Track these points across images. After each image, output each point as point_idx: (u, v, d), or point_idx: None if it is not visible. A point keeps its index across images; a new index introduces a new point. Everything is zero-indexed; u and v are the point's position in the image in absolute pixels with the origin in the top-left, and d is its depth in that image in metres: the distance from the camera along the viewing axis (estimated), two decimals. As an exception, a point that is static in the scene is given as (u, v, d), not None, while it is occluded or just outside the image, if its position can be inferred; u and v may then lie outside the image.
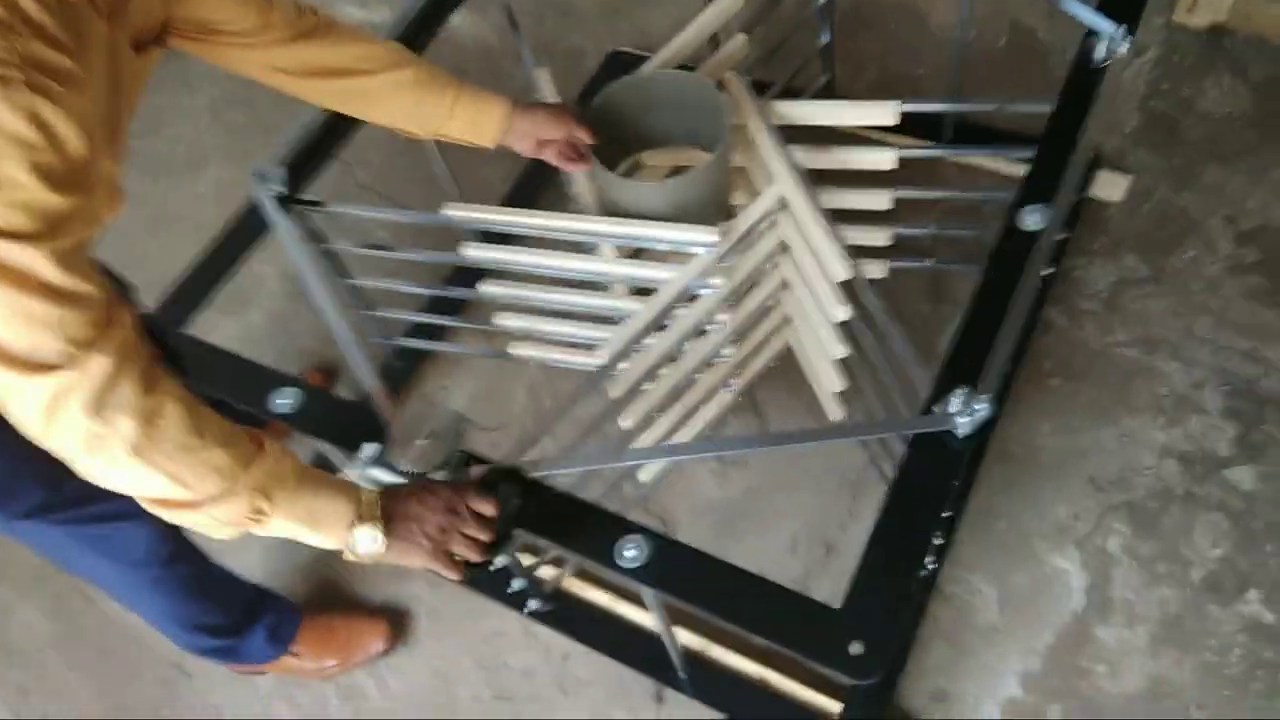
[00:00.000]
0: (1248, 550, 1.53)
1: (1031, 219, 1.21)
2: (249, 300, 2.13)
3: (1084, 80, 1.33)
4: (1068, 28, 2.14)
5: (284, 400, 1.25)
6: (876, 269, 1.73)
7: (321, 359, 2.03)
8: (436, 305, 1.96)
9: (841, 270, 1.31)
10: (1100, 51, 1.32)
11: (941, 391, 1.10)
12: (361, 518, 0.96)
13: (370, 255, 1.69)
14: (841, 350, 1.45)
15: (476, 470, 1.10)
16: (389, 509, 0.98)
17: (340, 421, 1.25)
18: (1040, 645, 1.51)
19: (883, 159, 1.52)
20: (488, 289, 1.63)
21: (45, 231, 0.75)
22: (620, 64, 2.32)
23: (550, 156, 1.41)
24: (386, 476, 1.10)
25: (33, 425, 0.82)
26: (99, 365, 0.80)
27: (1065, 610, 1.53)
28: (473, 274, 1.64)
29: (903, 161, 1.52)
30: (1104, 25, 1.33)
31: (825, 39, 1.94)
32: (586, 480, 1.43)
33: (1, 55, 0.72)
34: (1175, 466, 1.61)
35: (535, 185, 2.13)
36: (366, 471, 1.11)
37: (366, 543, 0.97)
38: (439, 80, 1.31)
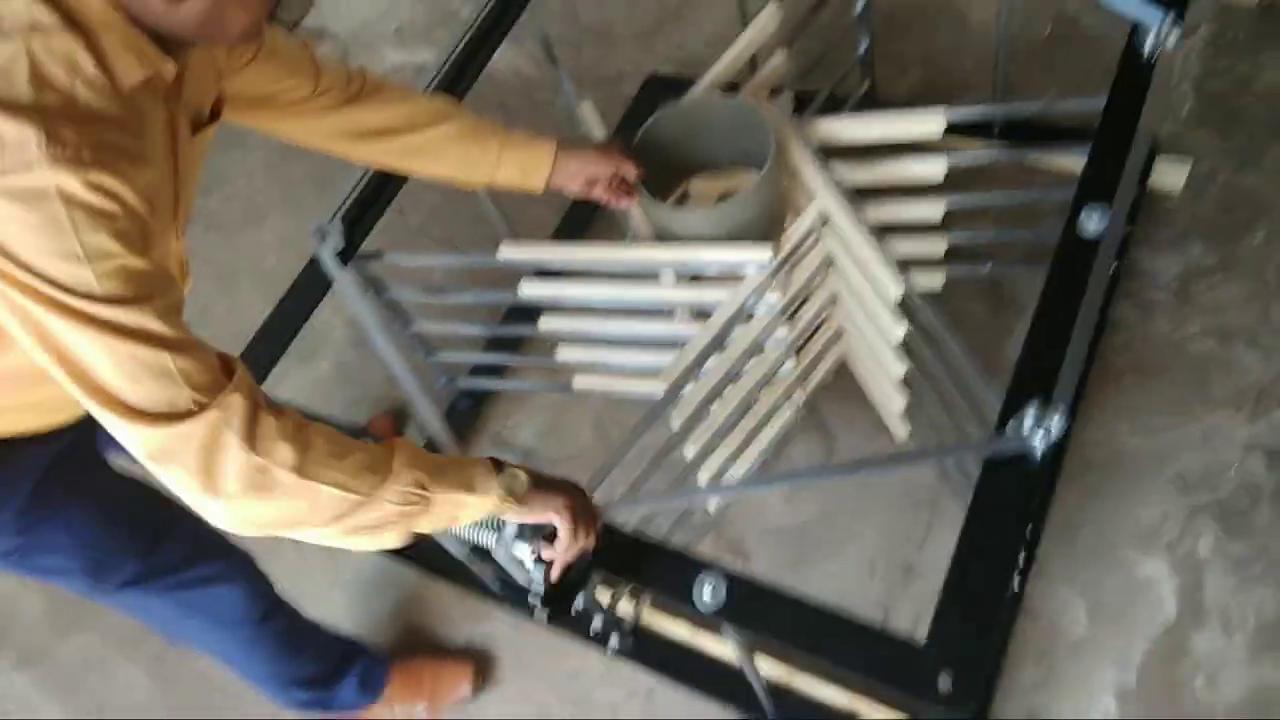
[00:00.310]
0: (1346, 544, 1.47)
1: (1092, 223, 1.18)
2: (316, 350, 2.18)
3: (1135, 74, 1.29)
4: (1113, 14, 2.11)
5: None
6: (932, 279, 1.71)
7: (391, 403, 2.07)
8: (497, 344, 1.98)
9: (894, 290, 1.30)
10: (1149, 43, 1.29)
11: (1013, 408, 1.07)
12: (503, 471, 0.99)
13: (430, 301, 1.71)
14: (901, 369, 1.43)
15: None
16: (528, 482, 1.01)
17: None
18: (1134, 657, 1.47)
19: (932, 170, 1.50)
20: (548, 324, 1.65)
21: (145, 294, 0.80)
22: (659, 86, 2.33)
23: (599, 194, 1.43)
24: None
25: (192, 483, 0.83)
26: (237, 402, 0.83)
27: (1158, 619, 1.48)
28: (531, 310, 1.67)
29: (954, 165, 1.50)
30: (1151, 15, 1.30)
31: (864, 46, 1.92)
32: (657, 512, 1.44)
33: (71, 139, 0.76)
34: (1261, 461, 1.56)
35: (585, 215, 2.15)
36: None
37: (517, 485, 0.99)
38: (486, 130, 1.33)
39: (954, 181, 1.52)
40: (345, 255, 1.52)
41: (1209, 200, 1.81)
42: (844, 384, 1.70)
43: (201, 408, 0.81)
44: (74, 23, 0.79)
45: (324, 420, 0.96)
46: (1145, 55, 1.29)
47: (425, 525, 0.96)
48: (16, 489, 1.09)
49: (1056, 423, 1.04)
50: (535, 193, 1.41)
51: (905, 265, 1.65)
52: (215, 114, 1.05)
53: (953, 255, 1.66)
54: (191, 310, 1.99)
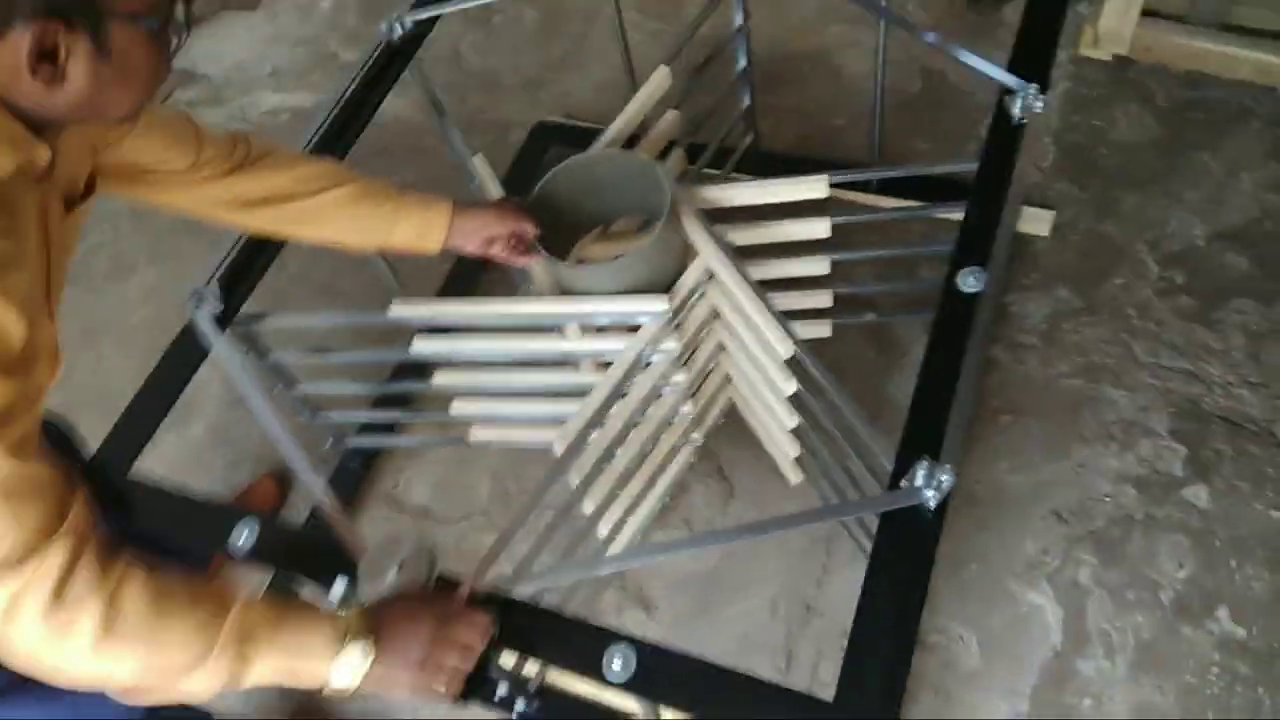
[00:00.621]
0: (1212, 568, 1.57)
1: (970, 282, 1.24)
2: (190, 411, 2.07)
3: (1004, 138, 1.36)
4: (975, 71, 2.22)
5: (243, 537, 1.22)
6: (820, 329, 1.76)
7: (272, 464, 1.98)
8: (387, 401, 1.93)
9: (784, 349, 1.32)
10: (1017, 109, 1.36)
11: (904, 465, 1.11)
12: (348, 635, 0.90)
13: (316, 363, 1.66)
14: (792, 421, 1.46)
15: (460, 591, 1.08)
16: (376, 624, 0.93)
17: (304, 553, 1.22)
18: (1025, 685, 1.53)
19: (816, 230, 1.54)
20: (443, 379, 1.62)
21: None
22: (547, 133, 2.34)
23: (498, 252, 1.41)
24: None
25: None
26: (56, 556, 0.78)
27: (1045, 647, 1.55)
28: (420, 363, 1.63)
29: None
30: (1016, 83, 1.38)
31: (746, 103, 1.97)
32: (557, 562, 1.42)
33: None
34: (1132, 491, 1.65)
35: (475, 263, 2.12)
36: (339, 611, 1.08)
37: (356, 662, 0.90)
38: (379, 193, 1.30)
39: (836, 234, 1.56)
40: (223, 319, 1.46)
41: (1072, 246, 1.92)
42: (735, 425, 1.72)
43: (24, 557, 0.76)
44: None
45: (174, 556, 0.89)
46: (1015, 118, 1.36)
47: (247, 684, 0.88)
48: None
49: (946, 478, 1.07)
50: (431, 254, 1.38)
51: (792, 316, 1.72)
52: (90, 188, 1.00)
53: (837, 303, 1.71)
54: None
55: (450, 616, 0.99)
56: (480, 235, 1.37)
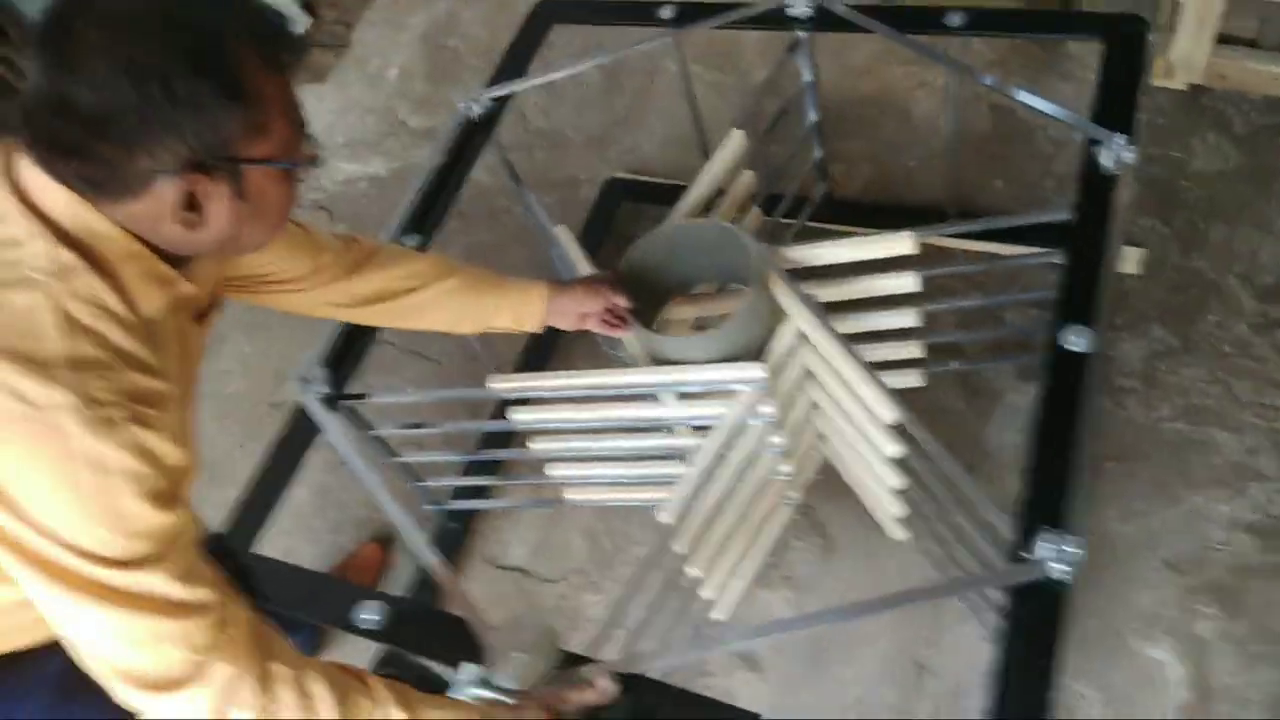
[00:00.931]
0: (1336, 614, 1.52)
1: (1075, 340, 1.22)
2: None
3: (1097, 190, 1.35)
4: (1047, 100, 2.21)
5: (370, 616, 1.24)
6: (911, 379, 1.75)
7: (375, 528, 2.02)
8: (482, 465, 1.96)
9: (888, 415, 1.32)
10: (1108, 160, 1.35)
11: (1027, 534, 1.10)
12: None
13: (416, 435, 1.69)
14: (898, 482, 1.45)
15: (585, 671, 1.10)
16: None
17: (429, 634, 1.24)
18: (1151, 744, 1.49)
19: (905, 284, 1.54)
20: (538, 446, 1.64)
21: (164, 550, 0.79)
22: (619, 190, 2.36)
23: (593, 326, 1.45)
24: (491, 696, 1.09)
25: None
26: (221, 672, 0.82)
27: (1170, 704, 1.50)
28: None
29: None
30: (1103, 133, 1.37)
31: (818, 154, 1.98)
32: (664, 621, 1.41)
33: (105, 397, 0.75)
34: (1247, 538, 1.61)
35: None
36: (470, 692, 1.10)
37: None
38: (481, 282, 1.35)
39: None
40: (330, 399, 1.50)
41: (1162, 284, 1.89)
42: (831, 478, 1.71)
43: (192, 674, 0.80)
44: (96, 261, 0.78)
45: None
46: (1105, 171, 1.35)
47: None
48: (36, 699, 1.04)
49: (1074, 549, 1.06)
50: (529, 332, 1.41)
51: (881, 367, 1.71)
52: (216, 299, 1.04)
53: (926, 354, 1.70)
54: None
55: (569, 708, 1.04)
56: (575, 313, 1.42)
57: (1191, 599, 1.58)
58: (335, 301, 1.25)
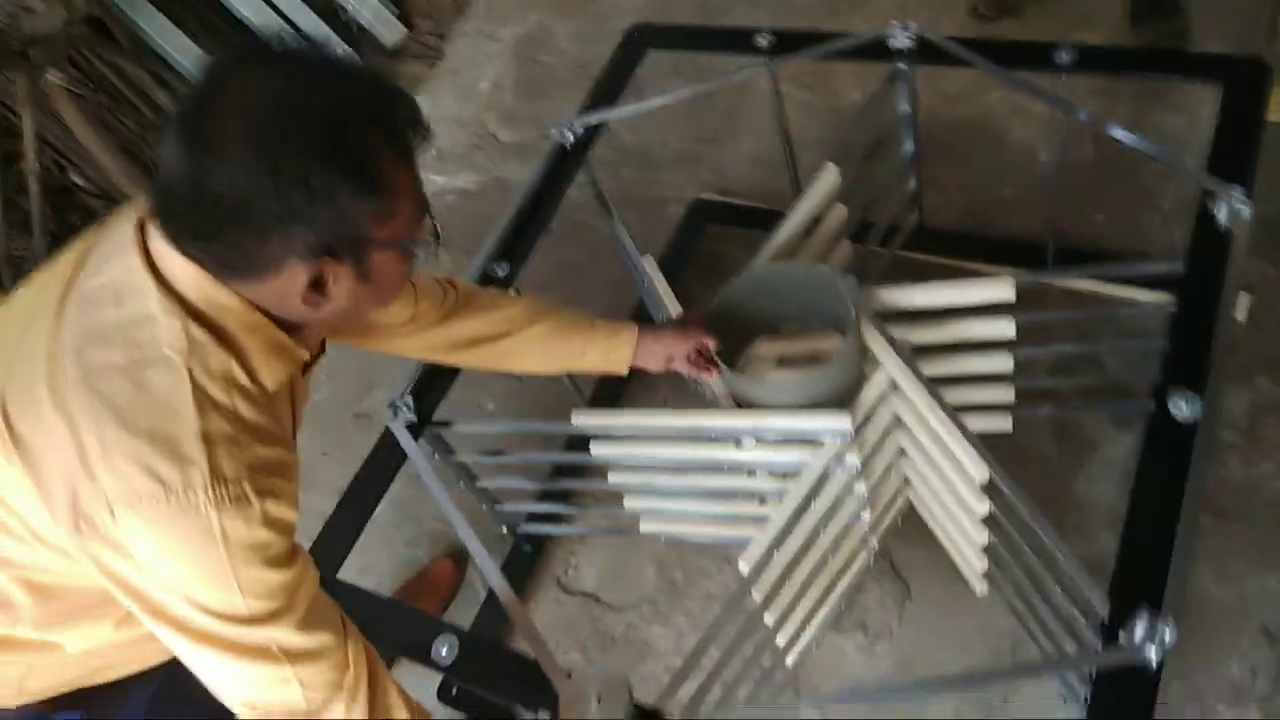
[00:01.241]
0: None
1: (1182, 407, 1.17)
2: (369, 490, 2.17)
3: (1211, 246, 1.29)
4: (1154, 136, 2.12)
5: (445, 649, 1.27)
6: (1000, 422, 1.70)
7: (449, 543, 2.05)
8: (557, 492, 1.97)
9: (979, 474, 1.28)
10: (1223, 215, 1.29)
11: (1120, 614, 1.06)
12: None
13: (502, 463, 1.71)
14: (983, 538, 1.42)
15: None
16: None
17: (501, 674, 1.26)
18: (1237, 819, 1.43)
19: (1001, 330, 1.50)
20: (617, 479, 1.65)
21: (287, 605, 0.84)
22: (705, 211, 2.35)
23: (679, 367, 1.45)
24: None
25: None
26: (338, 707, 0.88)
27: (1257, 782, 1.45)
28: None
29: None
30: (1219, 185, 1.31)
31: (912, 184, 1.94)
32: (735, 665, 1.40)
33: (233, 473, 0.79)
34: (1352, 610, 1.53)
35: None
36: None
37: None
38: (571, 326, 1.36)
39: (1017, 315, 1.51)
40: (416, 427, 1.53)
41: (1270, 332, 1.80)
42: (911, 521, 1.68)
43: (314, 713, 0.87)
44: (222, 335, 0.81)
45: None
46: (1222, 225, 1.29)
47: None
48: (134, 704, 1.09)
49: (1170, 633, 1.02)
50: (618, 375, 1.42)
51: (969, 409, 1.67)
52: (323, 347, 1.07)
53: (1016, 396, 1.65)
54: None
55: None
56: (663, 355, 1.42)
57: (1290, 672, 1.51)
58: (431, 345, 1.28)
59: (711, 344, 1.42)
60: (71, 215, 2.65)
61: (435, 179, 2.71)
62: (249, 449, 0.80)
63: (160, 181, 0.77)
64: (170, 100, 2.71)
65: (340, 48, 0.84)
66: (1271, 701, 1.49)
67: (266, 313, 0.84)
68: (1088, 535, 1.72)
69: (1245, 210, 1.28)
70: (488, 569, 1.39)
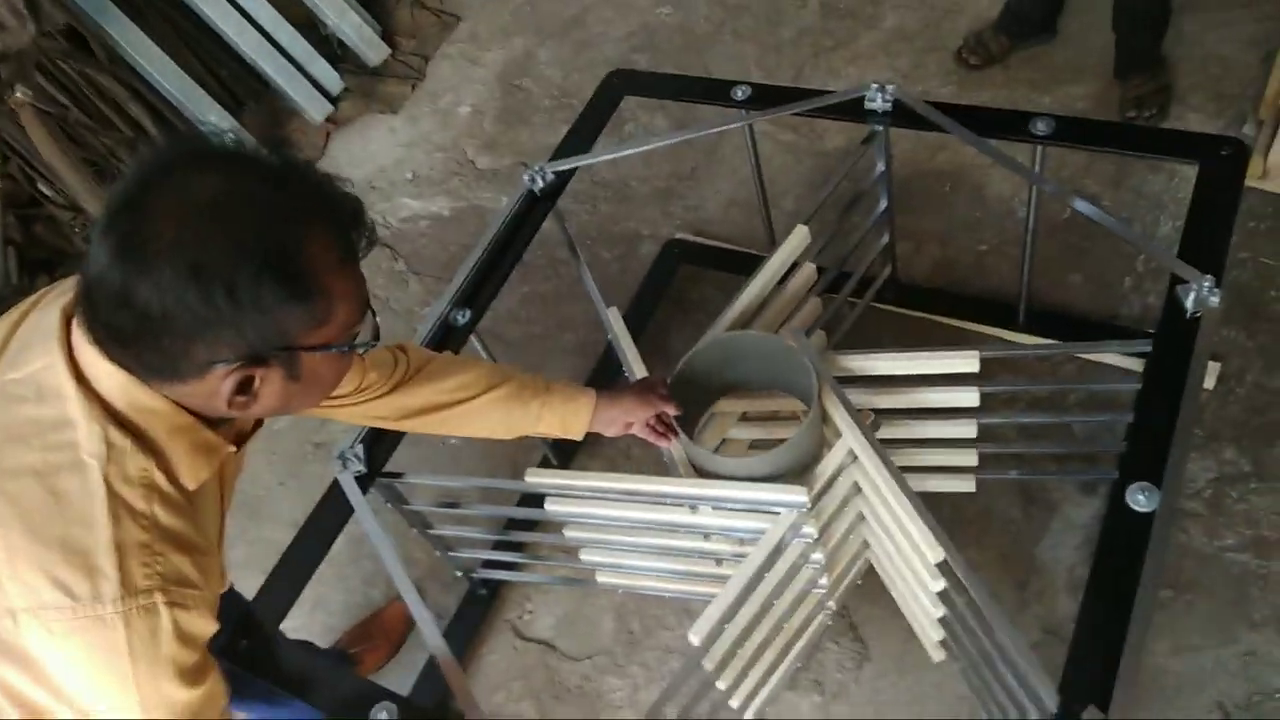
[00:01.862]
0: (1399, 787, 1.43)
1: (1140, 500, 1.16)
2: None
3: (1177, 332, 1.28)
4: (1133, 196, 2.12)
5: (383, 717, 1.24)
6: (963, 484, 1.69)
7: (403, 585, 2.02)
8: (516, 537, 1.94)
9: (933, 555, 1.26)
10: (1191, 303, 1.27)
11: (1069, 711, 1.04)
12: None
13: (452, 513, 1.68)
14: (939, 611, 1.40)
15: None
16: None
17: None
18: None
19: (965, 399, 1.49)
20: (574, 534, 1.62)
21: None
22: (678, 251, 2.33)
23: (639, 433, 1.43)
24: None
25: None
26: None
27: None
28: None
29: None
30: (1189, 272, 1.30)
31: (886, 239, 1.92)
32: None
33: (145, 584, 0.76)
34: (1308, 691, 1.52)
35: (606, 385, 2.13)
36: None
37: None
38: (527, 392, 1.33)
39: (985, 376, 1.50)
40: (366, 479, 1.50)
41: (1239, 401, 1.79)
42: (872, 584, 1.66)
43: None
44: (144, 438, 0.79)
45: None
46: (1189, 312, 1.28)
47: None
48: None
49: (1116, 737, 1.01)
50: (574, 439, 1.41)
51: (934, 470, 1.66)
52: (259, 421, 1.04)
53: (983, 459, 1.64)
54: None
55: None
56: (621, 422, 1.40)
57: (1243, 752, 1.50)
58: (379, 415, 1.25)
59: (672, 411, 1.40)
60: (38, 225, 2.60)
61: (410, 204, 2.68)
62: (164, 558, 0.78)
63: (86, 280, 0.75)
64: (143, 113, 2.67)
65: (289, 155, 0.79)
66: (1224, 782, 1.48)
67: (194, 411, 0.82)
68: (1048, 599, 1.70)
69: (1214, 300, 1.26)
70: (428, 632, 1.36)
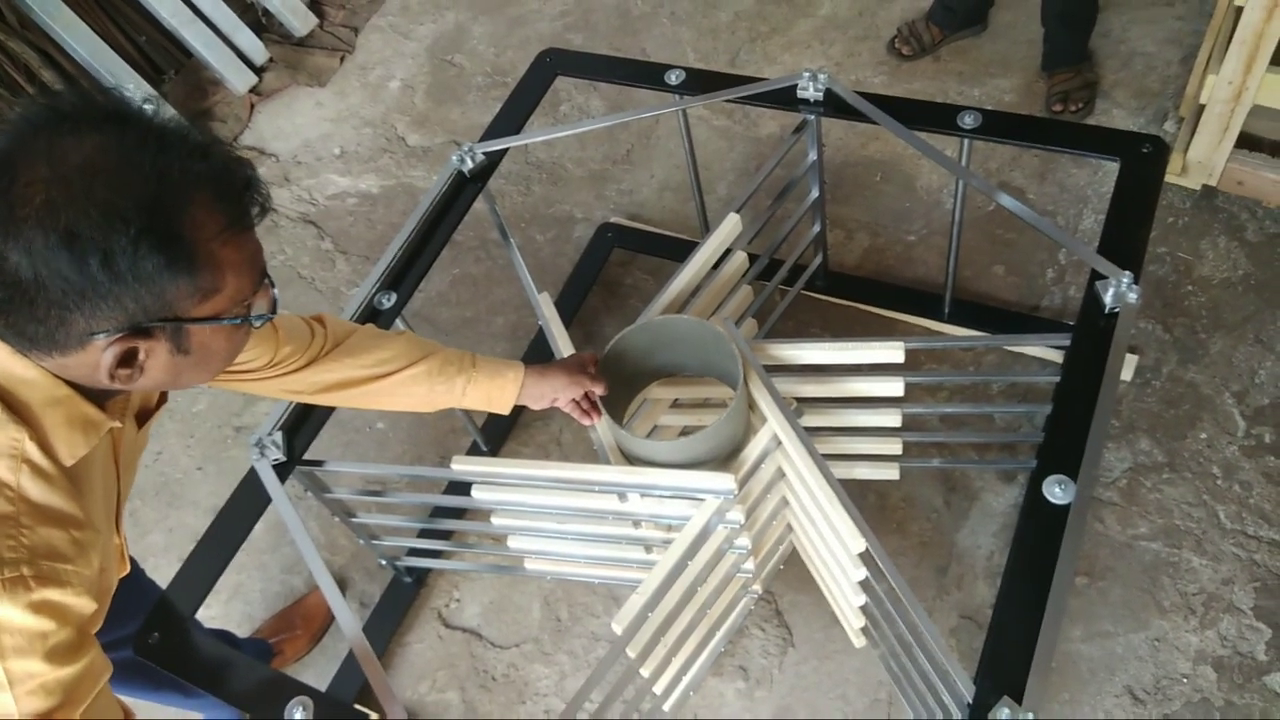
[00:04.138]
0: (1294, 764, 1.49)
1: (1057, 492, 1.18)
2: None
3: (1095, 328, 1.30)
4: (1057, 189, 2.16)
5: (299, 713, 1.21)
6: (887, 471, 1.71)
7: (330, 568, 1.97)
8: (441, 519, 1.91)
9: (855, 545, 1.27)
10: (1110, 299, 1.30)
11: (985, 701, 1.06)
12: None
13: (375, 501, 1.64)
14: (860, 599, 1.41)
15: None
16: None
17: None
18: None
19: (890, 388, 1.50)
20: (502, 521, 1.60)
21: (64, 703, 0.77)
22: (613, 235, 2.31)
23: (564, 407, 1.42)
24: None
25: None
26: None
27: (1113, 846, 1.48)
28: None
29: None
30: (1111, 269, 1.32)
31: (817, 229, 1.92)
32: (614, 711, 1.38)
33: (8, 556, 0.72)
34: (1212, 674, 1.57)
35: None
36: None
37: None
38: (451, 366, 1.30)
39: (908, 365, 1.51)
40: (285, 467, 1.45)
41: (1155, 394, 1.84)
42: (795, 568, 1.67)
43: None
44: (18, 409, 0.75)
45: None
46: (1108, 307, 1.30)
47: None
48: None
49: (1029, 724, 1.02)
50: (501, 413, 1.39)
51: (859, 458, 1.67)
52: (163, 397, 0.99)
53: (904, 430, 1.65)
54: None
55: None
56: (548, 398, 1.39)
57: (1150, 734, 1.55)
58: (294, 389, 1.21)
59: (599, 390, 1.39)
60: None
61: (338, 180, 2.61)
62: (31, 531, 0.74)
63: None
64: (57, 80, 2.55)
65: (166, 111, 0.74)
66: (1132, 763, 1.53)
67: (77, 384, 0.78)
68: (967, 585, 1.74)
69: (1132, 296, 1.29)
70: (346, 625, 1.33)
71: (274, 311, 0.83)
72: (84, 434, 0.80)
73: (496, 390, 1.34)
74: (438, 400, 1.32)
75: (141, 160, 0.70)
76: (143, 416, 0.96)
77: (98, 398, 0.81)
